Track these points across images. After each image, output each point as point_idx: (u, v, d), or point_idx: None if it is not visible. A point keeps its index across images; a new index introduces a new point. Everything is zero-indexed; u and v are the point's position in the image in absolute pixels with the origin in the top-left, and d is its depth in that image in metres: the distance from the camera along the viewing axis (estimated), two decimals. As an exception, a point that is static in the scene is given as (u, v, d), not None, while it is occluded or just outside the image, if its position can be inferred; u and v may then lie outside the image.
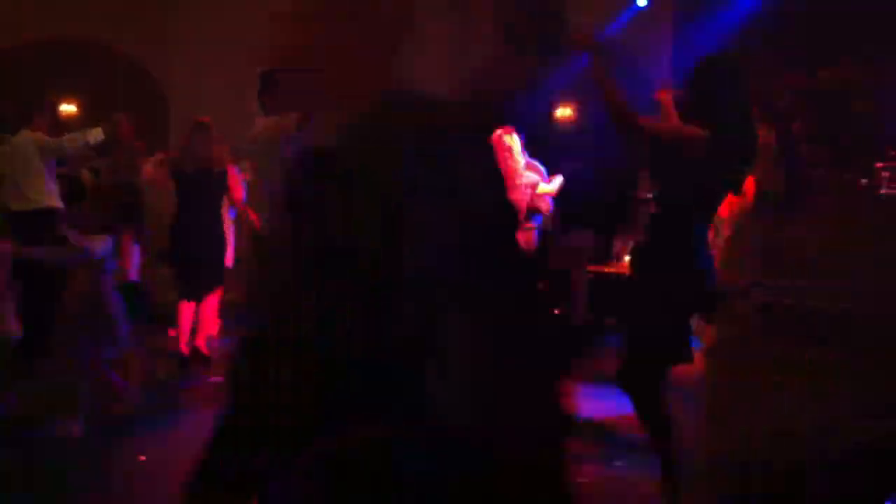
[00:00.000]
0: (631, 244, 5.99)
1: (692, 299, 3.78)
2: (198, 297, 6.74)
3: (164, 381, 6.48)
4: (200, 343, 6.77)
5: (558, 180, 6.52)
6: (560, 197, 9.80)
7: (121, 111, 6.97)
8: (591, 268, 9.48)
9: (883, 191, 10.90)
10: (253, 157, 4.62)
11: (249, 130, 4.72)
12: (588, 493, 4.46)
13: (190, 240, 6.66)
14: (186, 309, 6.76)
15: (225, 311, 7.43)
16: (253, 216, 6.94)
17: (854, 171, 12.11)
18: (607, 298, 6.92)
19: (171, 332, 7.30)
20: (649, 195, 5.67)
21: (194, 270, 6.71)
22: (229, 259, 7.34)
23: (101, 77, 15.83)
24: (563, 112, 17.83)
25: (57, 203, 6.82)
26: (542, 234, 6.38)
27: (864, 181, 11.98)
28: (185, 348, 6.76)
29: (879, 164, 11.34)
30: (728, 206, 4.47)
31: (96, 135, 6.69)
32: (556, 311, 8.54)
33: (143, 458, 4.76)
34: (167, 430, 5.33)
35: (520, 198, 6.21)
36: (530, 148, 7.33)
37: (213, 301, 6.88)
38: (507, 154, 5.99)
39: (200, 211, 6.67)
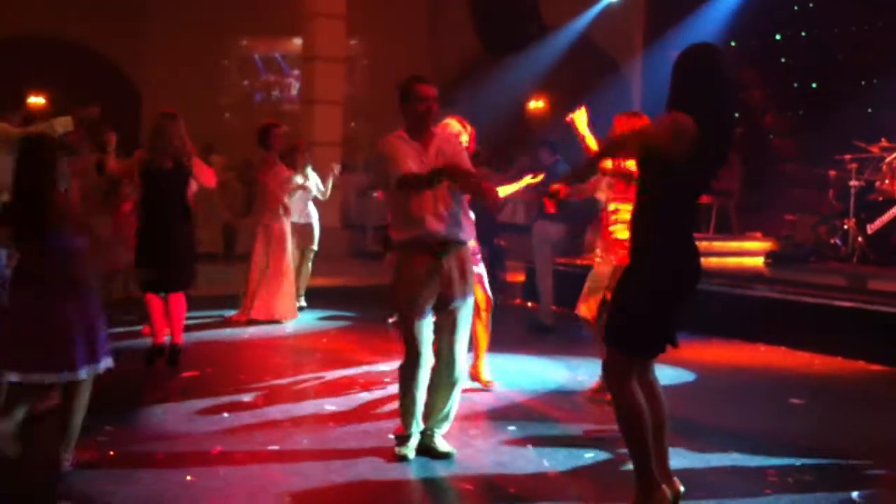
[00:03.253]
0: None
1: (669, 290, 3.81)
2: (168, 291, 6.68)
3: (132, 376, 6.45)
4: (178, 338, 6.74)
5: (524, 181, 6.52)
6: (534, 190, 9.85)
7: (92, 105, 6.90)
8: (562, 260, 9.54)
9: (851, 182, 11.03)
10: None
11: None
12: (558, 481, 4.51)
13: (160, 235, 6.60)
14: (156, 302, 6.74)
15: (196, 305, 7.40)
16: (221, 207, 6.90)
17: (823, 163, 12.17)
18: (577, 291, 6.95)
19: (146, 330, 7.25)
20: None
21: (166, 265, 6.65)
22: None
23: (75, 73, 15.70)
24: (536, 104, 17.89)
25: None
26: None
27: (832, 173, 12.13)
28: (160, 341, 6.74)
29: (847, 157, 11.47)
30: None
31: (65, 124, 6.60)
32: (528, 305, 8.58)
33: (112, 452, 4.75)
34: (134, 425, 5.34)
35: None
36: (504, 139, 7.37)
37: (181, 296, 6.83)
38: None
39: (174, 205, 6.62)
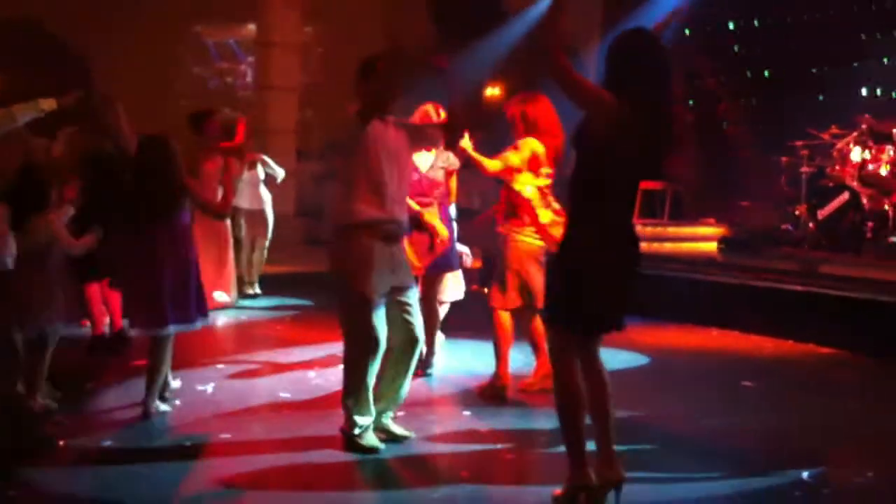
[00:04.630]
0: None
1: (595, 272, 3.83)
2: (103, 278, 6.57)
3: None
4: (120, 324, 6.64)
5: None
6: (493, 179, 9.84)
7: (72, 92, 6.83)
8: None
9: (803, 168, 11.18)
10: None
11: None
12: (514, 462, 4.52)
13: (96, 221, 6.45)
14: (95, 292, 6.63)
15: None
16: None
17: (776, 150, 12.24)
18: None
19: (84, 323, 7.10)
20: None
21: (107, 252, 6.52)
22: None
23: (28, 59, 15.39)
24: (493, 91, 17.88)
25: None
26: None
27: (784, 160, 12.27)
28: (100, 331, 6.65)
29: (799, 143, 11.61)
30: None
31: (49, 105, 6.51)
32: (485, 291, 8.56)
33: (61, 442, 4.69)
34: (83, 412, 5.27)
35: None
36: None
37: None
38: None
39: (114, 189, 6.46)
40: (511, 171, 5.71)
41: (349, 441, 4.62)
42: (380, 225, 4.61)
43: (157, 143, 5.34)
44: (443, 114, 6.21)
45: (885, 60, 11.88)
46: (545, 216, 5.64)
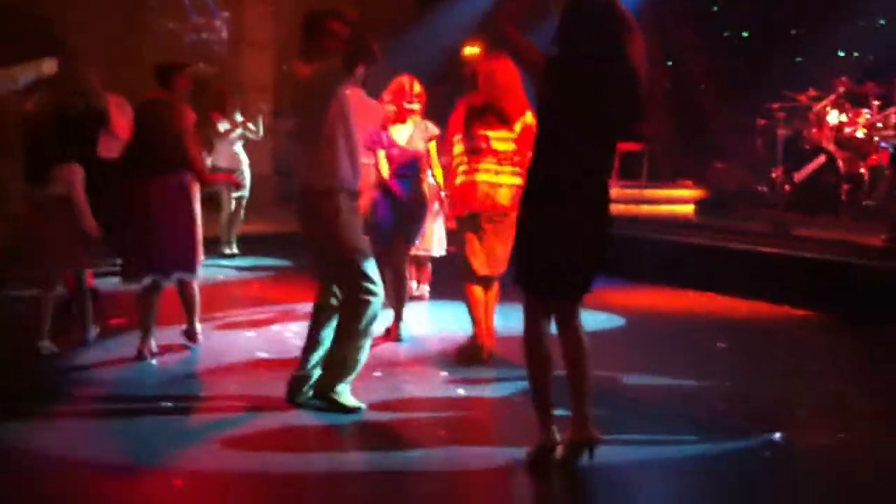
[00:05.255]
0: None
1: (549, 232, 3.85)
2: None
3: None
4: (90, 282, 6.60)
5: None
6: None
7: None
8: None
9: (779, 131, 11.22)
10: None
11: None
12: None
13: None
14: None
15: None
16: None
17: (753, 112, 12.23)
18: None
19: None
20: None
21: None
22: None
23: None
24: (472, 50, 17.73)
25: None
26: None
27: (761, 122, 12.30)
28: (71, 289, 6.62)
29: (775, 106, 11.63)
30: None
31: (51, 66, 6.41)
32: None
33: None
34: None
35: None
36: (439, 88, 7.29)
37: None
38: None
39: (83, 148, 6.36)
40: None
41: (330, 401, 4.63)
42: (353, 187, 4.62)
43: (159, 105, 5.65)
44: (417, 86, 6.18)
45: (862, 23, 11.89)
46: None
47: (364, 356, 4.67)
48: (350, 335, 4.60)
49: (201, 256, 5.83)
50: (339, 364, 4.63)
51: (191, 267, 5.70)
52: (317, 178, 4.56)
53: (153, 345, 5.64)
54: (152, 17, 17.95)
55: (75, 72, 6.25)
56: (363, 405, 4.65)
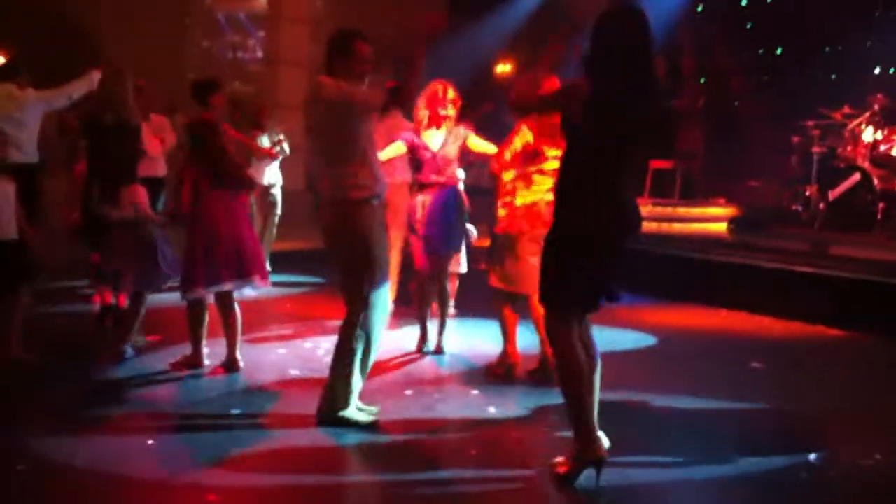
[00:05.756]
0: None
1: (581, 251, 3.86)
2: None
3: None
4: (123, 302, 6.74)
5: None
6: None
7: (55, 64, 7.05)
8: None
9: (814, 148, 11.11)
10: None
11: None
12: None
13: (107, 195, 6.46)
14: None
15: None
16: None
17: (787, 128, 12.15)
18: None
19: (96, 298, 7.18)
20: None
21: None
22: None
23: (33, 30, 15.34)
24: (504, 68, 17.80)
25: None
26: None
27: (796, 139, 12.20)
28: (109, 301, 6.73)
29: (810, 123, 11.55)
30: None
31: (97, 76, 6.80)
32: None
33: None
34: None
35: None
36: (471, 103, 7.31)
37: None
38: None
39: (117, 163, 6.44)
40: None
41: (340, 419, 4.64)
42: (377, 198, 4.66)
43: (199, 128, 5.69)
44: (451, 92, 6.21)
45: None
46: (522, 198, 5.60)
47: (357, 377, 4.68)
48: (342, 355, 4.66)
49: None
50: (338, 385, 4.66)
51: (264, 272, 5.82)
52: (341, 188, 4.61)
53: (205, 356, 5.81)
54: (189, 35, 18.20)
55: (114, 87, 6.38)
56: (375, 412, 4.70)
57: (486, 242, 6.24)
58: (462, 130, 6.29)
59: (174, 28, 17.50)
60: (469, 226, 6.66)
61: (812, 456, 4.41)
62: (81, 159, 7.94)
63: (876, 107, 10.19)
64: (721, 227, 11.19)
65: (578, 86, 3.84)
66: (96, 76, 6.87)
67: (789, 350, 6.92)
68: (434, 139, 6.22)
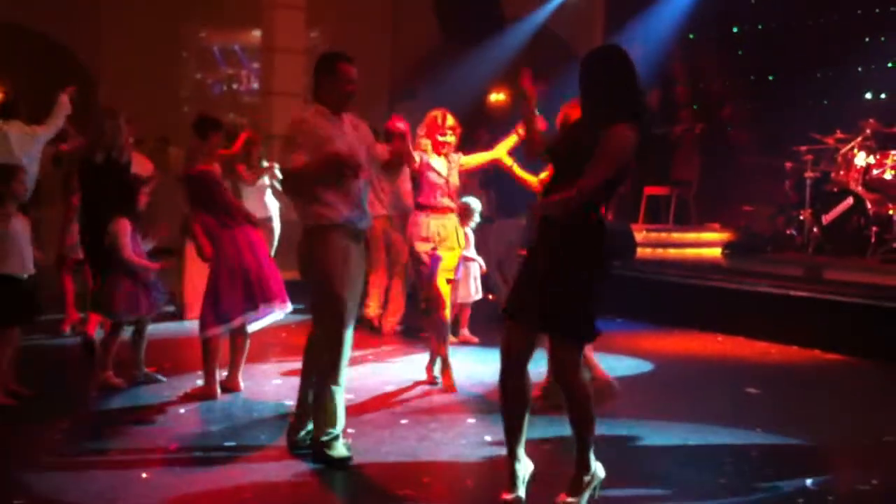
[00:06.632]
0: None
1: (600, 277, 3.88)
2: None
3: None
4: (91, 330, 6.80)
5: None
6: (495, 184, 9.85)
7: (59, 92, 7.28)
8: (524, 252, 9.55)
9: (807, 173, 11.17)
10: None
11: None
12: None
13: (98, 230, 6.47)
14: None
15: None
16: None
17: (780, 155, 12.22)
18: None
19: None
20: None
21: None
22: None
23: (32, 62, 15.41)
24: (497, 97, 17.90)
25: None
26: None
27: (789, 164, 12.26)
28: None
29: (803, 148, 11.60)
30: None
31: (65, 102, 7.04)
32: (489, 297, 8.63)
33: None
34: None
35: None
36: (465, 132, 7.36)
37: None
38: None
39: (105, 199, 6.44)
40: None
41: (318, 452, 4.60)
42: (351, 225, 4.64)
43: (204, 177, 5.89)
44: (450, 119, 6.21)
45: (889, 64, 11.87)
46: None
47: (340, 406, 4.64)
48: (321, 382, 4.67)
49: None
50: (320, 414, 4.63)
51: (284, 298, 5.97)
52: (308, 214, 4.70)
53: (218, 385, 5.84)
54: (184, 67, 18.29)
55: (103, 127, 6.43)
56: (348, 455, 4.59)
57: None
58: (456, 157, 6.31)
59: (169, 60, 17.60)
60: (477, 256, 6.72)
61: (809, 481, 4.39)
62: (77, 191, 7.99)
63: (868, 131, 10.24)
64: (716, 253, 11.21)
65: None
66: (64, 98, 7.13)
67: (786, 375, 6.91)
68: (441, 164, 6.24)
